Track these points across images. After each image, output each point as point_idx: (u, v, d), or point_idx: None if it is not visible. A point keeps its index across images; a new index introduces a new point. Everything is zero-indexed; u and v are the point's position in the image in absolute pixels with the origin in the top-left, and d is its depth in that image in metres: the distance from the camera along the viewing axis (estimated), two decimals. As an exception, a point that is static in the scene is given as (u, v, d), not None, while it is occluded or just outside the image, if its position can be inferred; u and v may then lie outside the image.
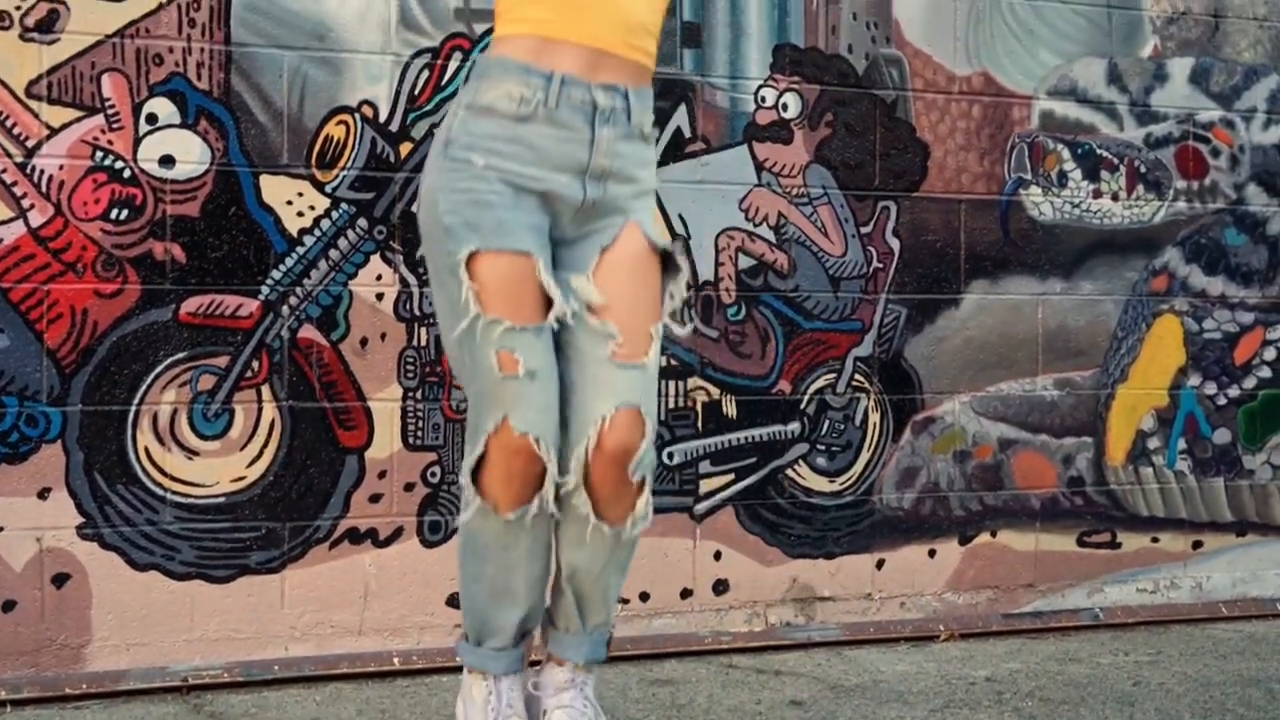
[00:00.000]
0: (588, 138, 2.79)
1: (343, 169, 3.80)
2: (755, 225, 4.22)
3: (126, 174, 3.61)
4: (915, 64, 4.40)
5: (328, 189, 3.79)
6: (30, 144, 3.54)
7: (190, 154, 3.67)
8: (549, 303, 2.76)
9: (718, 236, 4.19)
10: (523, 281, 2.74)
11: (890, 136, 4.37)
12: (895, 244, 4.38)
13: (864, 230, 4.34)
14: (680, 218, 4.15)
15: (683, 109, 4.14)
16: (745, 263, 4.22)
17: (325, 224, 3.79)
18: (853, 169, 4.33)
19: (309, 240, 3.78)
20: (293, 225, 3.76)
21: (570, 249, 2.87)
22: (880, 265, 4.37)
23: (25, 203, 3.53)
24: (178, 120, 3.66)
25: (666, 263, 2.92)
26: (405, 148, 3.86)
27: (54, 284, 3.57)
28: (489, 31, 3.56)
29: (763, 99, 4.22)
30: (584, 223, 2.85)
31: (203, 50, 3.67)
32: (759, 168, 4.23)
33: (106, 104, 3.59)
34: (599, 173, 2.81)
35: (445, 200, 2.70)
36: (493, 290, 2.70)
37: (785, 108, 4.25)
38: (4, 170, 3.52)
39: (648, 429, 2.81)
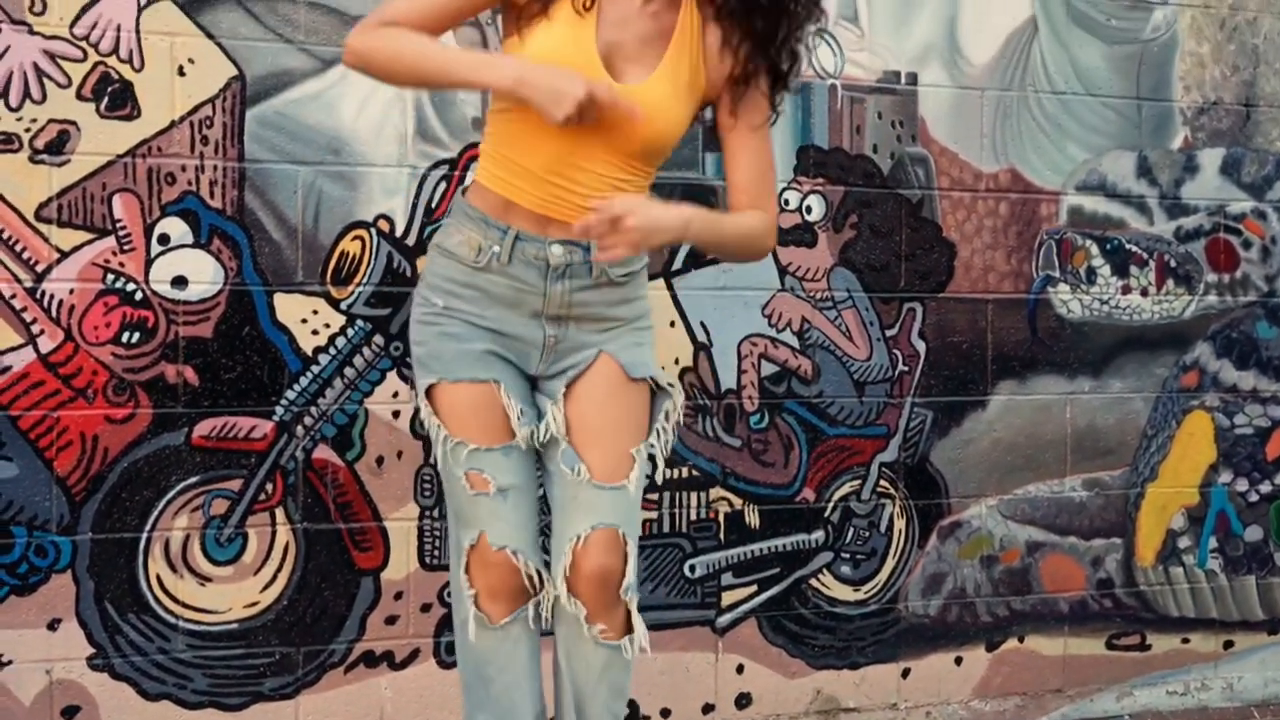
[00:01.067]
0: (541, 290, 2.82)
1: (358, 285, 3.71)
2: (779, 331, 4.13)
3: (138, 296, 3.52)
4: (941, 162, 4.30)
5: (343, 306, 3.71)
6: (40, 268, 3.45)
7: (203, 274, 3.58)
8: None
9: (740, 344, 4.11)
10: (486, 406, 2.80)
11: (916, 236, 4.28)
12: (921, 346, 4.29)
13: (889, 333, 4.25)
14: (702, 325, 4.06)
15: (705, 214, 4.02)
16: (768, 370, 4.13)
17: (340, 341, 3.70)
18: (878, 271, 4.24)
19: (324, 359, 3.69)
20: (307, 344, 3.68)
21: (546, 382, 2.90)
22: (906, 368, 4.28)
23: (35, 328, 3.45)
24: (190, 240, 3.57)
25: (655, 389, 2.90)
26: (422, 261, 3.75)
27: (64, 410, 3.49)
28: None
29: (786, 202, 4.13)
30: (553, 360, 2.87)
31: (216, 168, 3.58)
32: (782, 272, 4.14)
33: (118, 225, 3.51)
34: (556, 317, 2.84)
35: (415, 332, 2.85)
36: (457, 415, 2.79)
37: (809, 210, 4.16)
38: (13, 295, 3.43)
39: (629, 550, 2.81)
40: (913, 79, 4.27)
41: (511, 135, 2.80)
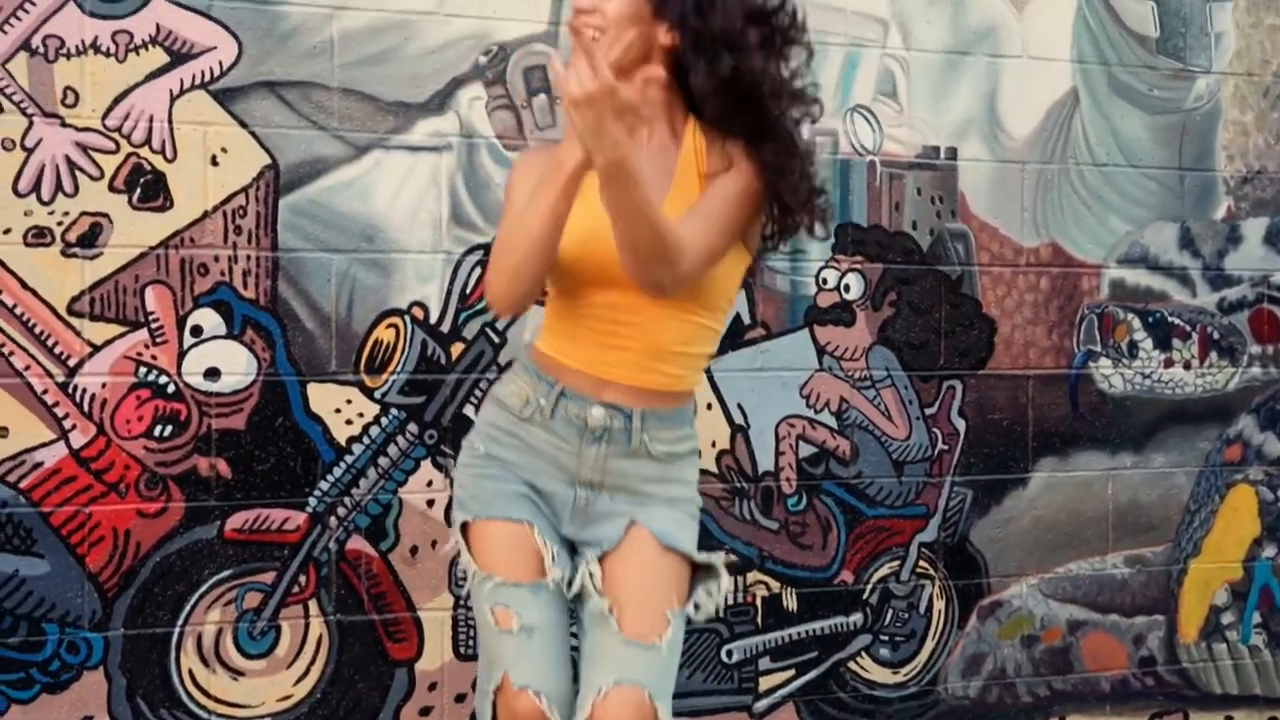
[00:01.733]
0: (576, 450, 2.77)
1: (392, 373, 3.67)
2: (816, 412, 4.07)
3: (171, 389, 3.48)
4: (981, 237, 4.24)
5: (377, 394, 3.66)
6: (72, 362, 3.41)
7: (236, 365, 3.54)
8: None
9: (778, 425, 4.05)
10: (517, 542, 2.74)
11: (956, 313, 4.22)
12: (961, 424, 4.23)
13: (929, 411, 4.19)
14: (739, 407, 4.01)
15: (742, 296, 3.98)
16: (806, 451, 4.07)
17: (374, 431, 3.65)
18: (917, 349, 4.18)
19: (358, 448, 3.65)
20: (341, 434, 3.63)
21: (579, 545, 2.83)
22: (945, 447, 4.22)
23: (66, 423, 3.41)
24: (223, 331, 3.53)
25: (698, 567, 2.82)
26: (457, 348, 3.73)
27: (95, 506, 3.45)
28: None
29: (824, 281, 4.07)
30: (583, 524, 2.81)
31: (249, 258, 3.54)
32: (820, 352, 4.08)
33: (150, 318, 3.46)
34: (588, 483, 2.79)
35: (457, 475, 2.87)
36: (489, 550, 2.74)
37: (847, 289, 4.10)
38: (45, 390, 3.39)
39: (660, 714, 2.67)
40: (952, 153, 4.21)
41: (563, 308, 2.80)
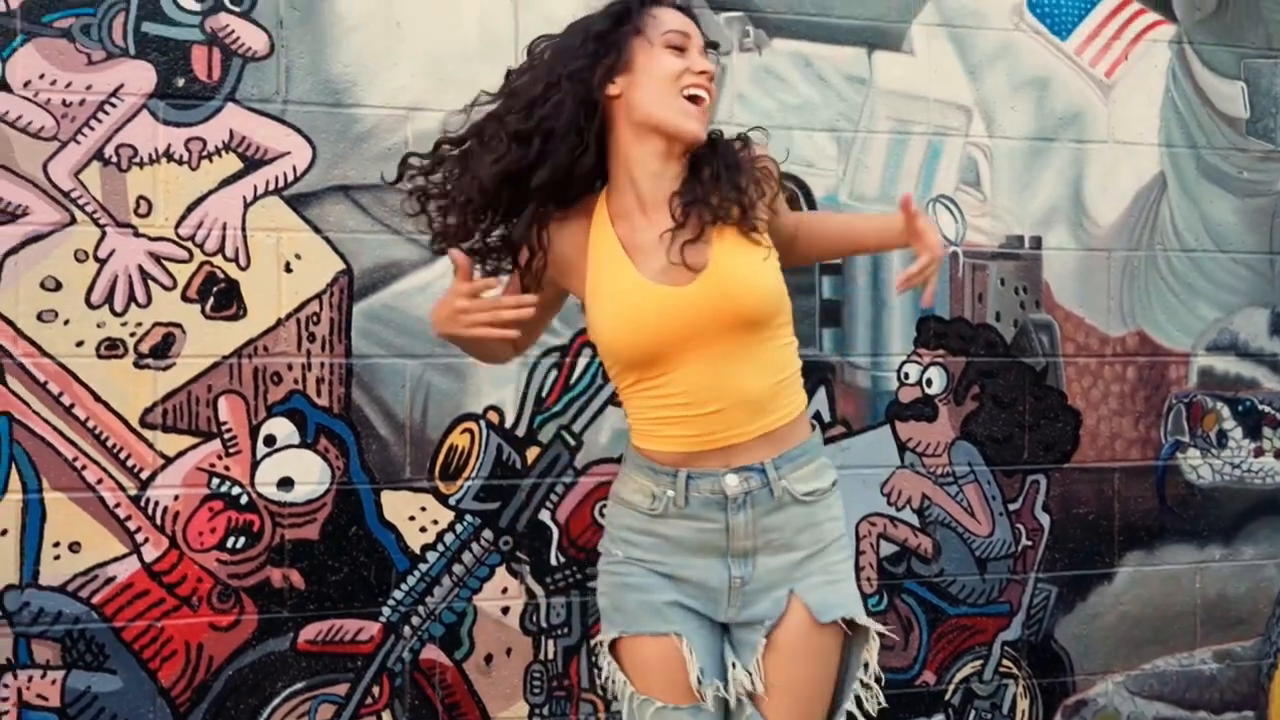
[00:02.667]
0: (723, 525, 2.63)
1: (467, 479, 3.60)
2: (898, 509, 3.98)
3: (244, 500, 3.42)
4: (1066, 327, 4.13)
5: (451, 501, 3.59)
6: (144, 475, 3.36)
7: (310, 475, 3.47)
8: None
9: (859, 524, 3.96)
10: (671, 661, 2.63)
11: (1040, 406, 4.11)
12: (1045, 519, 4.12)
13: (1012, 507, 4.08)
14: (819, 506, 3.88)
15: (821, 392, 3.90)
16: (887, 550, 3.98)
17: (449, 538, 3.58)
18: (1000, 443, 4.07)
19: (432, 556, 3.58)
20: (415, 542, 3.56)
21: (740, 630, 2.69)
22: (1029, 543, 4.11)
23: (139, 537, 3.36)
24: (297, 440, 3.47)
25: (852, 627, 2.69)
26: (532, 452, 3.65)
27: (168, 620, 3.40)
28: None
29: (906, 375, 3.98)
30: (744, 604, 2.67)
31: (323, 365, 3.48)
32: (902, 448, 3.98)
33: (223, 428, 3.40)
34: (742, 552, 2.64)
35: (600, 582, 2.72)
36: (642, 670, 2.64)
37: (929, 384, 4.00)
38: (117, 504, 3.34)
39: None
40: (1037, 242, 4.11)
41: (650, 400, 2.66)
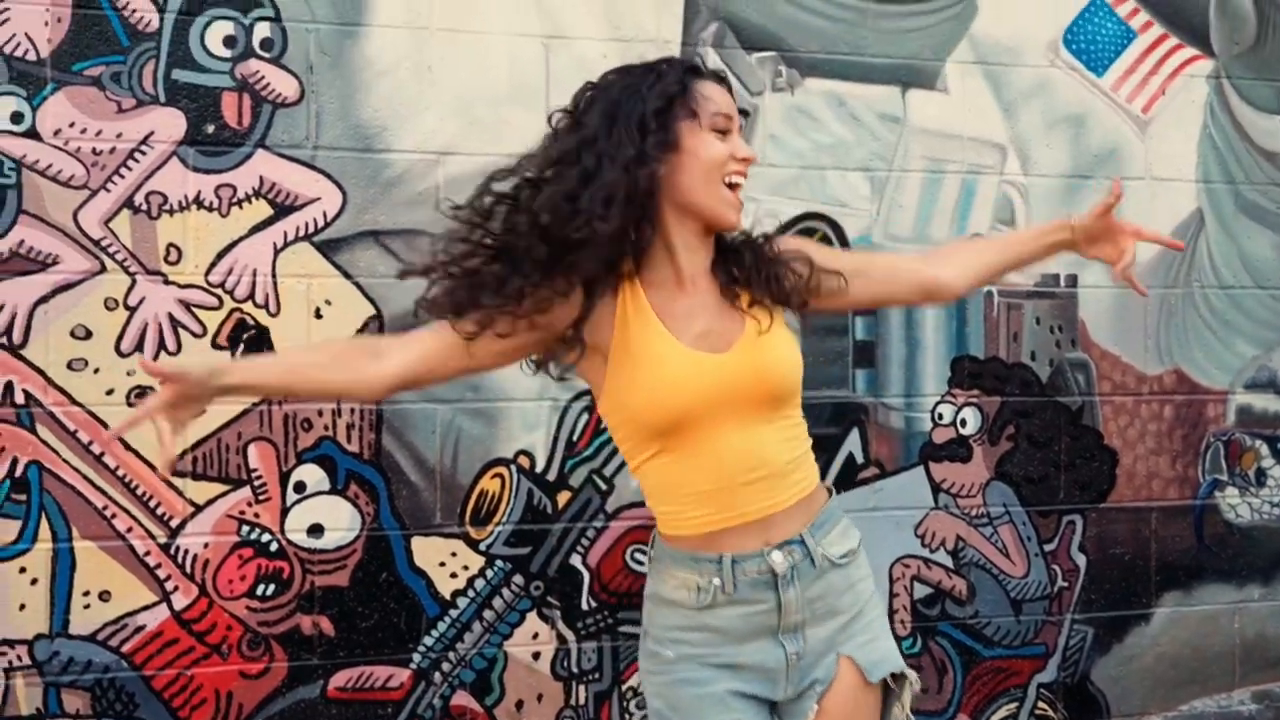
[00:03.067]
0: (774, 605, 2.57)
1: (498, 524, 3.58)
2: (932, 551, 3.94)
3: (273, 547, 3.41)
4: (1103, 366, 4.09)
5: (482, 546, 3.57)
6: (174, 523, 3.35)
7: (340, 521, 3.46)
8: None
9: (892, 566, 3.92)
10: None
11: (1076, 445, 4.07)
12: (1081, 560, 4.08)
13: (1048, 547, 4.04)
14: (853, 548, 3.85)
15: (855, 434, 3.87)
16: (921, 591, 3.94)
17: (479, 583, 3.57)
18: (1036, 483, 4.03)
19: (462, 602, 3.56)
20: (445, 587, 3.54)
21: (793, 704, 2.63)
22: (1065, 584, 4.07)
23: (169, 585, 3.35)
24: (327, 487, 3.45)
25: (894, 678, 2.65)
26: (563, 496, 3.63)
27: (198, 668, 3.39)
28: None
29: (940, 416, 3.94)
30: (798, 678, 2.61)
31: (353, 411, 3.46)
32: (936, 489, 3.95)
33: (253, 475, 3.39)
34: (794, 627, 2.58)
35: (649, 684, 2.60)
36: None
37: (964, 424, 3.96)
38: (147, 553, 3.33)
39: None
40: (1072, 281, 4.07)
41: (673, 474, 2.58)
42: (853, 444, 3.87)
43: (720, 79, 2.63)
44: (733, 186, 2.57)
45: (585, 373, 2.59)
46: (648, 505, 2.60)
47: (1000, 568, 4.02)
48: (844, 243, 3.84)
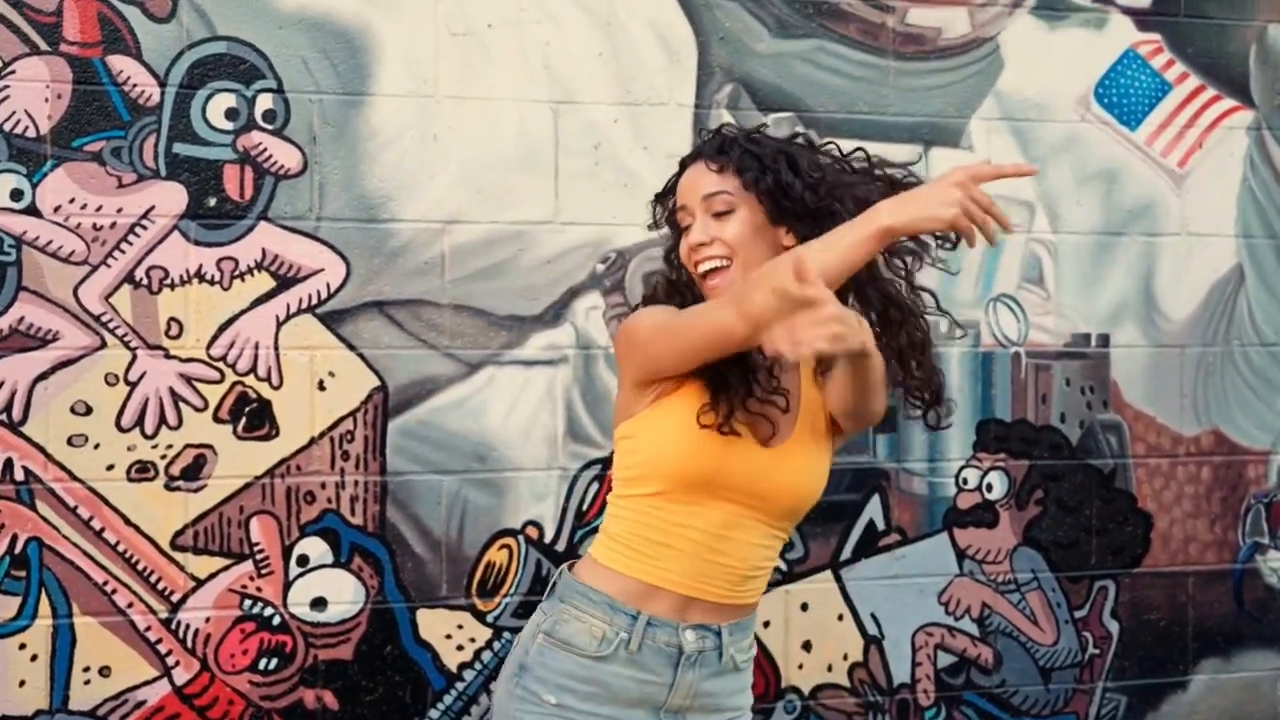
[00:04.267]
0: (668, 680, 2.49)
1: (505, 596, 3.54)
2: (956, 619, 3.85)
3: (276, 621, 3.39)
4: (1136, 427, 3.98)
5: (489, 618, 3.53)
6: (175, 598, 3.34)
7: (343, 594, 3.44)
8: None
9: (915, 634, 3.84)
10: None
11: (1108, 510, 3.96)
12: (1114, 626, 3.98)
13: (1078, 614, 3.95)
14: (873, 617, 3.80)
15: (875, 500, 3.79)
16: (945, 660, 3.86)
17: (487, 656, 3.54)
18: (1066, 549, 3.94)
19: (469, 675, 3.53)
20: (452, 660, 3.51)
21: None
22: (1097, 651, 3.97)
23: (170, 660, 3.35)
24: (330, 560, 3.44)
25: None
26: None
27: (199, 744, 3.35)
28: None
29: (964, 481, 3.85)
30: None
31: (357, 483, 3.44)
32: (960, 555, 3.86)
33: (255, 549, 3.37)
34: (675, 709, 2.51)
35: (514, 713, 2.48)
36: None
37: (990, 489, 3.87)
38: (148, 628, 3.33)
39: None
40: (1104, 340, 3.96)
41: (657, 519, 2.50)
42: (873, 510, 3.80)
43: (687, 161, 2.57)
44: (706, 275, 2.50)
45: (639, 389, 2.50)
46: (601, 534, 2.51)
47: (1029, 635, 3.93)
48: (864, 305, 3.74)
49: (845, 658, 3.79)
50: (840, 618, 3.78)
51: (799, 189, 2.47)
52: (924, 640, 3.86)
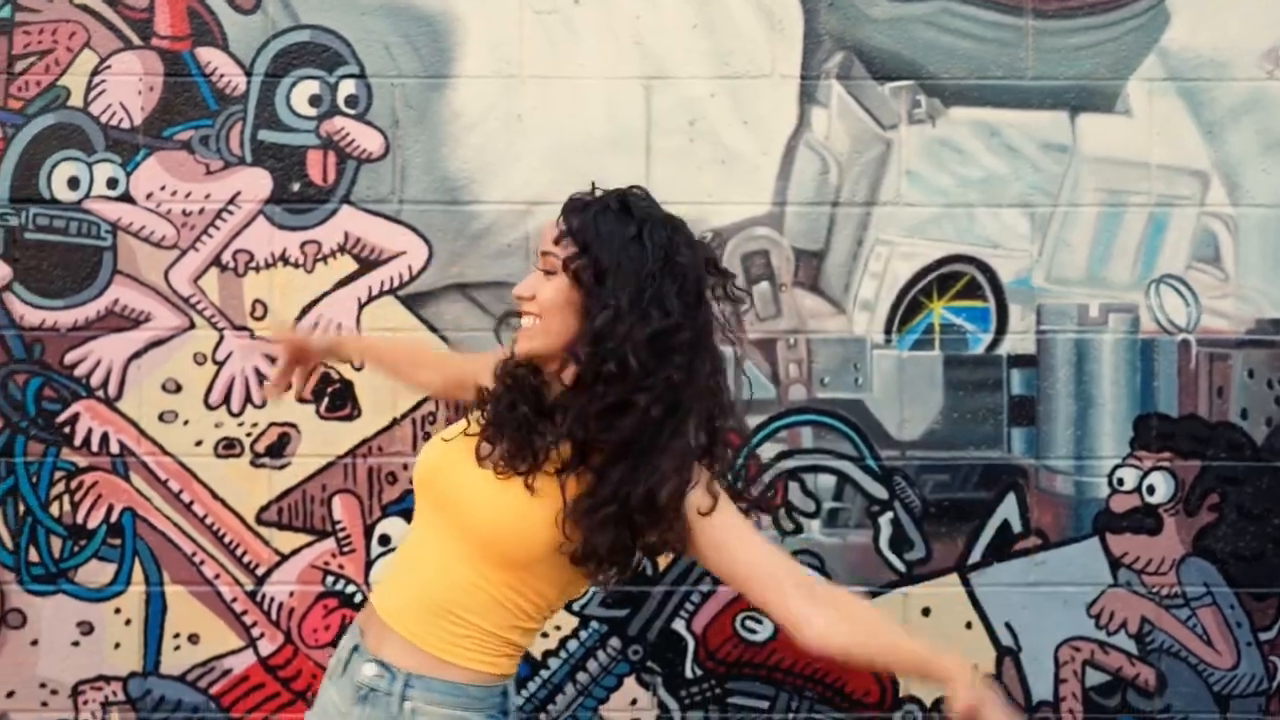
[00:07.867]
0: (345, 715, 2.32)
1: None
2: (1110, 634, 3.49)
3: (358, 598, 3.45)
4: (1338, 426, 3.48)
5: (575, 606, 3.46)
6: (260, 571, 3.44)
7: (425, 575, 3.43)
8: None
9: (1058, 648, 3.50)
10: None
11: (1300, 518, 3.49)
12: (1308, 651, 3.50)
13: (1264, 635, 3.49)
14: (1008, 627, 3.49)
15: (1010, 499, 3.47)
16: (1095, 679, 3.49)
17: (572, 644, 3.47)
18: (1247, 561, 3.49)
19: (554, 663, 3.48)
20: (536, 647, 3.47)
21: None
22: (1287, 679, 3.50)
23: (255, 632, 3.45)
24: (411, 540, 3.43)
25: None
26: (664, 558, 3.44)
27: (282, 714, 3.48)
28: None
29: (1119, 481, 3.48)
30: None
31: (438, 465, 3.42)
32: (1115, 564, 3.49)
33: (338, 527, 3.43)
34: None
35: None
36: None
37: (1151, 491, 3.48)
38: (234, 599, 3.44)
39: None
40: (1296, 327, 3.48)
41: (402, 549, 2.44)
42: (1008, 510, 3.50)
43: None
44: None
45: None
46: None
47: (1200, 656, 3.52)
48: (997, 289, 3.45)
49: (975, 669, 3.48)
50: (969, 625, 3.49)
51: (609, 307, 2.25)
52: (1070, 655, 3.52)
